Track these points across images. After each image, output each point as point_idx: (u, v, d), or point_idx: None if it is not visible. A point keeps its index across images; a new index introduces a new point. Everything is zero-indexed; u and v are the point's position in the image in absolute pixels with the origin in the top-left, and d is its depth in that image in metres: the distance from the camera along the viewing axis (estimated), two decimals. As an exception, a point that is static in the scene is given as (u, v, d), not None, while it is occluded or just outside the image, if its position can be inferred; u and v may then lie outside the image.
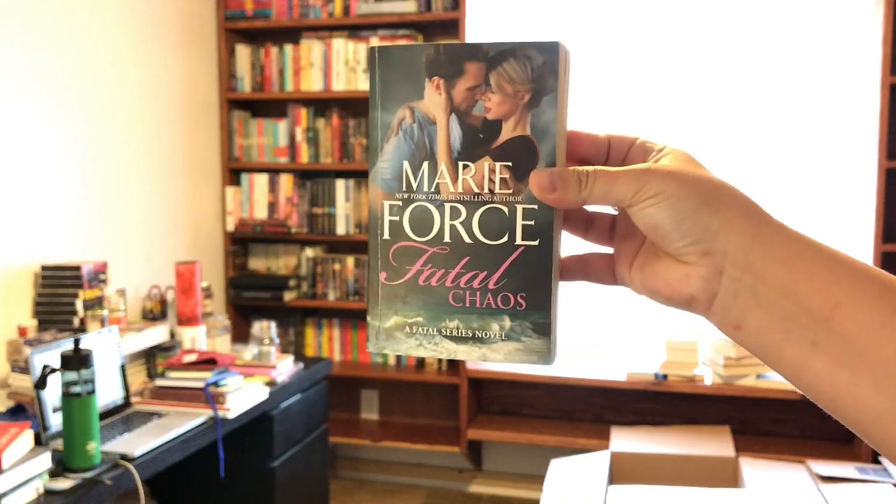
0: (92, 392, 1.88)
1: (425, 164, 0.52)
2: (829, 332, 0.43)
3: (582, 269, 0.54)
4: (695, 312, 0.48)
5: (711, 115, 3.32)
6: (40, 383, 1.89)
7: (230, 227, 3.60)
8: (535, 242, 0.51)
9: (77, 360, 1.87)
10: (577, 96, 3.45)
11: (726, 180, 0.47)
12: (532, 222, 0.51)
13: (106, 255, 2.79)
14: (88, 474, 1.85)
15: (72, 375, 1.86)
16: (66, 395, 1.85)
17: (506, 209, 0.51)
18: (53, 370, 1.88)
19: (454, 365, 3.45)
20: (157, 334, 2.68)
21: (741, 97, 3.29)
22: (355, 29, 3.44)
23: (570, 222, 0.55)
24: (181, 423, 2.23)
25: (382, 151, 0.53)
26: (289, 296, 3.55)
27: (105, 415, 2.23)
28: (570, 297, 3.51)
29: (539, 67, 0.49)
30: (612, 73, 3.41)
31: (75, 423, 1.85)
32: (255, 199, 3.55)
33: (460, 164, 0.52)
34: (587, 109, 3.45)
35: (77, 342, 1.91)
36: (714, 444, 3.07)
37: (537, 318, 0.51)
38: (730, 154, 3.31)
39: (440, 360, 3.51)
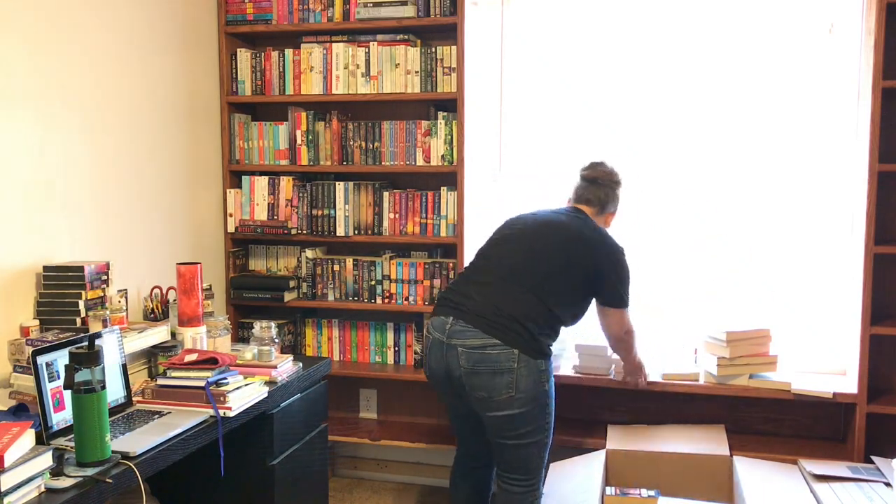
0: (104, 387, 1.92)
1: None
2: None
3: None
4: None
5: (704, 121, 3.35)
6: (69, 383, 1.91)
7: (231, 228, 3.63)
8: None
9: (92, 357, 1.90)
10: (574, 96, 3.48)
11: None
12: None
13: (108, 255, 2.82)
14: (102, 467, 1.88)
15: (87, 372, 1.89)
16: (84, 391, 1.88)
17: None
18: (78, 369, 1.90)
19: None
20: (158, 334, 2.71)
21: (734, 102, 3.32)
22: (355, 34, 3.47)
23: None
24: (182, 421, 2.25)
25: None
26: (289, 296, 3.59)
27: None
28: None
29: None
30: (609, 76, 3.44)
31: (94, 417, 1.88)
32: (256, 200, 3.59)
33: None
34: (584, 108, 3.48)
35: (92, 339, 1.94)
36: (709, 442, 3.10)
37: None
38: (723, 158, 3.35)
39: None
